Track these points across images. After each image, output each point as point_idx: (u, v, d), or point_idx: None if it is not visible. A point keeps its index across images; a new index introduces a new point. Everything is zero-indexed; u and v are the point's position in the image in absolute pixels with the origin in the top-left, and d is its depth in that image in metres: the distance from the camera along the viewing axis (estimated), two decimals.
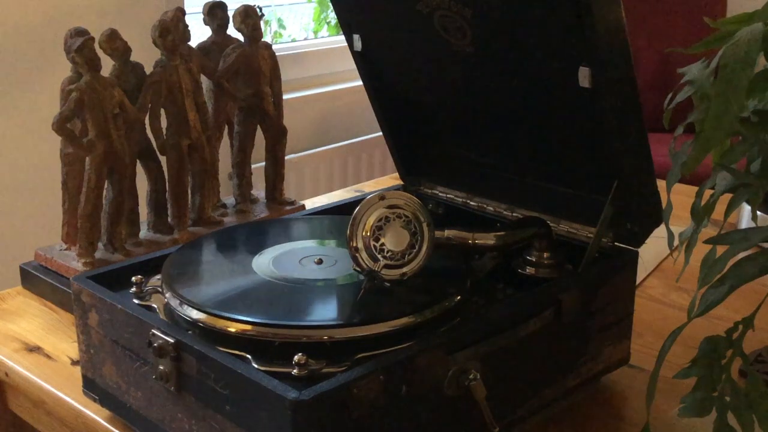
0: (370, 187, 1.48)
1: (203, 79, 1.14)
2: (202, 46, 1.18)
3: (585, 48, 0.74)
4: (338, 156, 2.39)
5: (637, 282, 0.89)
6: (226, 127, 1.22)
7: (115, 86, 1.01)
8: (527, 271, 0.84)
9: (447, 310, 0.73)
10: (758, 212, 0.64)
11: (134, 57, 1.06)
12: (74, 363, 0.89)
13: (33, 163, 1.75)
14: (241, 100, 1.18)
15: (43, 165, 1.69)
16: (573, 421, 0.80)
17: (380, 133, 1.08)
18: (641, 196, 0.82)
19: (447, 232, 0.80)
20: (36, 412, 0.90)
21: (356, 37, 1.00)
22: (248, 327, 0.69)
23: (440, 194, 1.03)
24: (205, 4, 1.19)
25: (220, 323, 0.70)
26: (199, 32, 1.19)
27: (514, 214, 0.94)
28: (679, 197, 0.70)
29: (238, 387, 0.62)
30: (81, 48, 0.97)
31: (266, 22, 2.44)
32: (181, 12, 1.07)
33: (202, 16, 1.19)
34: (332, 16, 2.61)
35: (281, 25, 2.56)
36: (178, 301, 0.73)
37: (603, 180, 0.82)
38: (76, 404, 0.82)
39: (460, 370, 0.67)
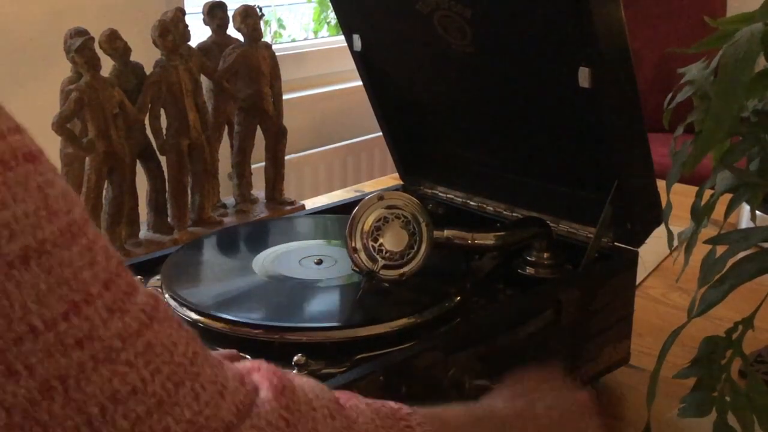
0: (370, 187, 1.48)
1: (203, 79, 1.14)
2: (202, 46, 1.18)
3: (585, 48, 0.74)
4: (338, 156, 2.39)
5: (637, 282, 0.89)
6: (226, 127, 1.22)
7: (115, 86, 1.01)
8: (527, 271, 0.84)
9: (447, 310, 0.73)
10: (758, 212, 0.63)
11: (134, 57, 1.06)
12: None
13: None
14: (241, 100, 1.18)
15: None
16: None
17: (380, 133, 1.08)
18: (641, 196, 0.82)
19: (446, 232, 0.80)
20: None
21: (356, 37, 1.00)
22: (247, 328, 0.69)
23: (440, 194, 1.03)
24: (205, 4, 1.19)
25: (220, 324, 0.70)
26: (199, 32, 1.19)
27: (514, 214, 0.94)
28: (679, 197, 0.70)
29: None
30: (81, 48, 0.97)
31: (266, 22, 2.44)
32: (181, 12, 1.07)
33: (202, 16, 1.19)
34: (332, 16, 2.60)
35: (281, 25, 2.56)
36: (177, 302, 0.73)
37: (603, 180, 0.82)
38: None
39: (460, 370, 0.67)
